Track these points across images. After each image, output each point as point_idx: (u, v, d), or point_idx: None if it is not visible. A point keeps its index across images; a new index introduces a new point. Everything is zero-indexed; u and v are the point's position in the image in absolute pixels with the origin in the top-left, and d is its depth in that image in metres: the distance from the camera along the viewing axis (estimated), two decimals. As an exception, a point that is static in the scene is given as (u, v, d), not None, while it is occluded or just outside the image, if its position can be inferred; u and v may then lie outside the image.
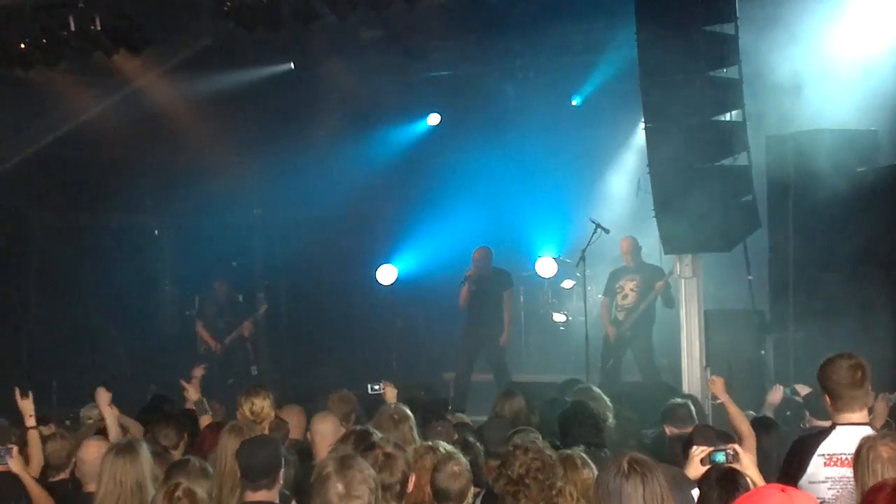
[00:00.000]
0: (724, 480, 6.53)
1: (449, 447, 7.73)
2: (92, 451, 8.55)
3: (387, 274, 20.18)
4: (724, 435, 8.46)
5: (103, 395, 10.16)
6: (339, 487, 5.40)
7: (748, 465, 6.71)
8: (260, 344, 18.70)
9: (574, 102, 20.30)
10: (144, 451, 7.84)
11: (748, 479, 6.61)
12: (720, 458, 6.65)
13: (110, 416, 10.02)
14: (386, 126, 20.53)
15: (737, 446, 6.81)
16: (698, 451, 6.72)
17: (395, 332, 19.73)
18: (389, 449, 6.57)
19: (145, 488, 7.59)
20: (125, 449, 7.78)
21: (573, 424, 9.12)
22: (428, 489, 7.27)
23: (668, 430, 9.80)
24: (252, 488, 7.29)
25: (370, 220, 20.30)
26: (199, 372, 11.85)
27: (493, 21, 18.62)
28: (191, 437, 10.20)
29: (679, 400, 10.39)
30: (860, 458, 5.99)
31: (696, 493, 6.39)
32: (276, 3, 16.12)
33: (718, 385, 6.73)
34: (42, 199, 19.34)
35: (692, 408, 9.99)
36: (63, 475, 9.32)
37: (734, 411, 6.88)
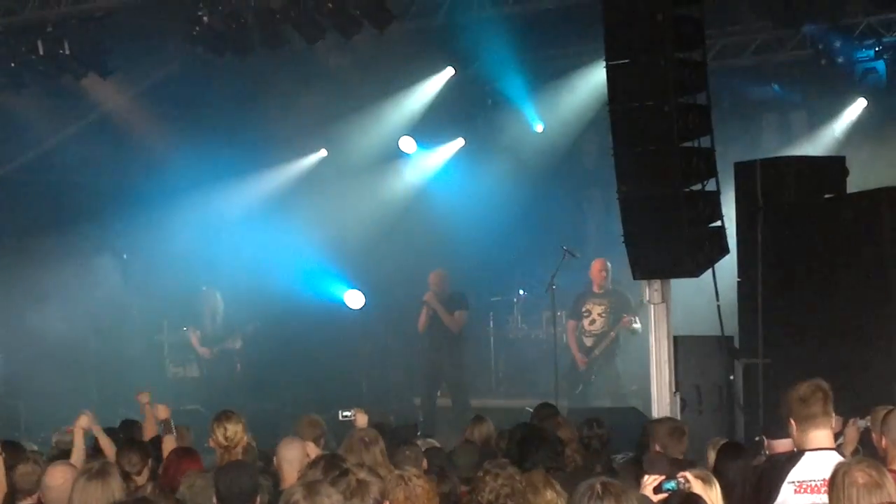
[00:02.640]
0: None
1: (419, 475, 7.70)
2: (57, 477, 8.46)
3: (355, 299, 20.18)
4: (676, 462, 8.49)
5: (84, 420, 10.15)
6: (308, 513, 5.37)
7: (701, 491, 6.73)
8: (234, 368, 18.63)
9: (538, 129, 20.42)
10: (116, 475, 7.77)
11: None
12: (672, 485, 6.67)
13: (80, 440, 9.95)
14: (354, 148, 20.49)
15: (688, 474, 6.81)
16: (650, 481, 6.72)
17: (365, 357, 19.70)
18: (362, 475, 6.53)
19: None
20: (98, 473, 7.70)
21: (531, 448, 9.12)
22: None
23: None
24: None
25: (338, 244, 20.27)
26: (144, 398, 11.78)
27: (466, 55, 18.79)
28: (156, 463, 10.13)
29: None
30: (835, 484, 5.97)
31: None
32: (245, 29, 16.14)
33: (699, 486, 6.72)
34: (9, 223, 19.25)
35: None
36: (31, 500, 9.24)
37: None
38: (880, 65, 17.53)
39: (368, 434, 9.05)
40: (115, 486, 7.63)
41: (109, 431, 11.04)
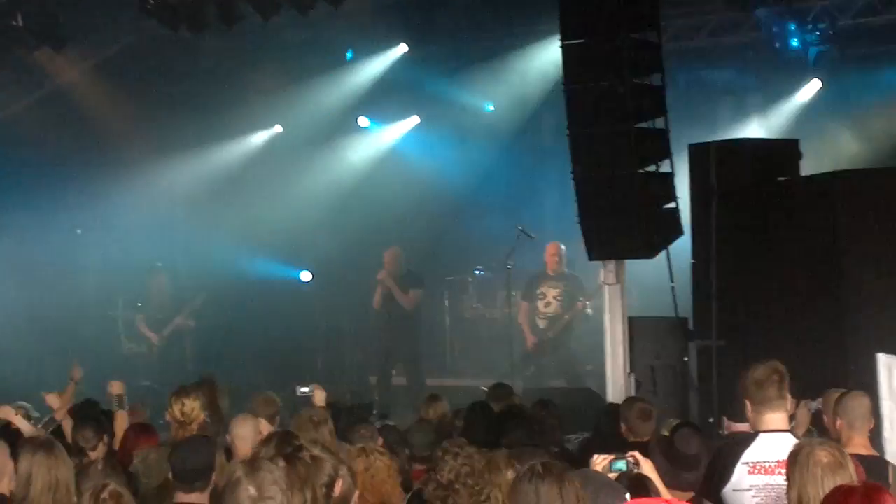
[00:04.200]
0: (634, 487, 6.59)
1: (380, 449, 7.74)
2: None
3: (305, 276, 20.30)
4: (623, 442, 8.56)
5: (4, 411, 10.09)
6: (251, 490, 5.35)
7: (649, 470, 6.79)
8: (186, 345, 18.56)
9: (490, 108, 20.46)
10: (61, 448, 7.68)
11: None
12: (621, 465, 6.72)
13: (21, 422, 9.91)
14: (308, 125, 20.44)
15: (637, 454, 6.86)
16: (599, 460, 6.77)
17: (320, 335, 19.68)
18: (316, 451, 6.54)
19: (71, 489, 7.45)
20: (46, 444, 7.61)
21: (510, 426, 9.14)
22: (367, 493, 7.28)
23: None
24: (185, 490, 7.26)
25: (292, 220, 20.24)
26: (76, 373, 11.72)
27: (419, 31, 18.75)
28: (110, 438, 10.12)
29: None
30: (798, 463, 5.99)
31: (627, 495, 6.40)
32: (200, 4, 16.05)
33: (647, 466, 6.75)
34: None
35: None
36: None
37: (664, 492, 6.88)
38: (832, 49, 17.58)
39: (317, 414, 9.07)
40: (63, 457, 7.52)
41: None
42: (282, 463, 5.92)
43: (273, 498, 5.36)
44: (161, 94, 19.66)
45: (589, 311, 16.26)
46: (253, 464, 5.56)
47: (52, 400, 10.76)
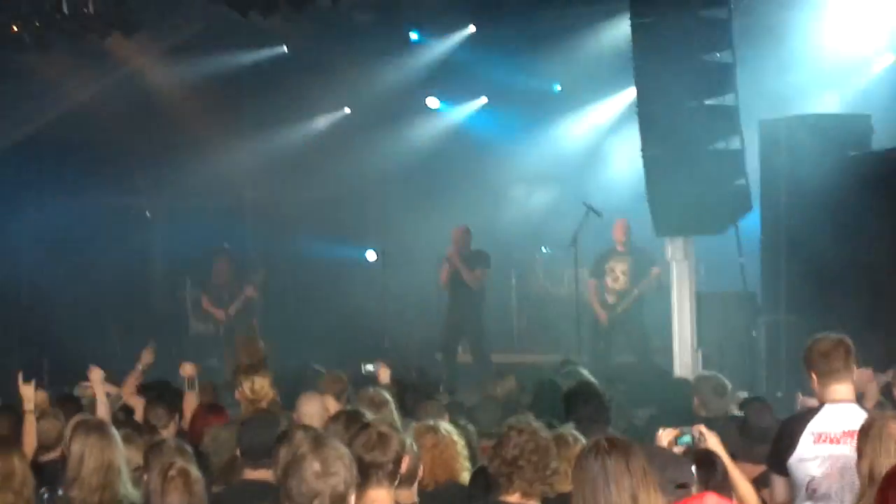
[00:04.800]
0: (701, 462, 6.56)
1: (449, 426, 7.77)
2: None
3: (371, 255, 20.42)
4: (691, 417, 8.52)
5: (96, 374, 10.17)
6: (316, 466, 5.37)
7: (715, 445, 6.76)
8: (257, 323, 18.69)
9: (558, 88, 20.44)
10: (112, 429, 7.76)
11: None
12: (687, 440, 6.69)
13: (102, 394, 10.01)
14: (381, 107, 20.47)
15: (702, 427, 6.83)
16: (665, 434, 6.73)
17: (388, 313, 19.74)
18: (383, 428, 6.59)
19: (117, 468, 7.49)
20: (99, 427, 7.70)
21: (579, 402, 9.13)
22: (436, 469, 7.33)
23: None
24: (252, 466, 7.32)
25: (363, 199, 20.30)
26: (148, 355, 11.81)
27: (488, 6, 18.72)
28: (181, 417, 10.24)
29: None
30: (870, 436, 5.96)
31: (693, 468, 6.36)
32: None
33: (713, 440, 6.68)
34: (35, 182, 19.31)
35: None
36: (54, 454, 9.31)
37: (731, 466, 6.81)
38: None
39: (378, 396, 9.07)
40: (114, 440, 7.59)
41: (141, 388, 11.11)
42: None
43: (337, 474, 5.37)
44: (229, 78, 19.74)
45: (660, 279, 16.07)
46: (318, 440, 5.60)
47: (95, 375, 10.81)
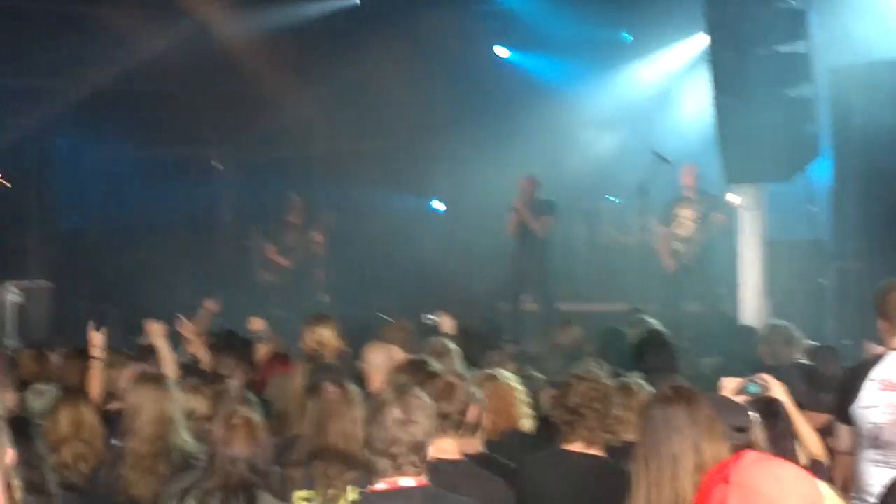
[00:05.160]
0: (764, 410, 6.51)
1: (508, 374, 7.77)
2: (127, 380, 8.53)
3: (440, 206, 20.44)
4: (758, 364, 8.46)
5: (156, 328, 10.19)
6: (397, 413, 5.44)
7: (779, 393, 6.70)
8: (318, 275, 18.78)
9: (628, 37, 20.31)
10: (168, 381, 7.82)
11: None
12: (754, 388, 6.62)
13: (164, 347, 10.03)
14: (447, 58, 20.39)
15: (766, 376, 6.77)
16: (728, 382, 6.68)
17: (454, 262, 19.73)
18: (451, 378, 6.61)
19: (173, 419, 7.54)
20: (155, 378, 7.76)
21: (648, 351, 9.11)
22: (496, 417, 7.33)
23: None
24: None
25: (431, 149, 20.27)
26: (212, 306, 11.87)
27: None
28: (250, 367, 10.30)
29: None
30: None
31: (751, 414, 6.31)
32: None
33: (777, 388, 6.58)
34: (104, 132, 19.48)
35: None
36: (119, 403, 9.38)
37: (795, 414, 6.71)
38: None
39: (441, 345, 9.06)
40: (170, 391, 7.64)
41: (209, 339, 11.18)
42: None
43: (418, 422, 5.45)
44: (298, 30, 19.72)
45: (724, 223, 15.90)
46: (402, 388, 5.66)
47: (187, 329, 10.86)
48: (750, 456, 4.03)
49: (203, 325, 11.40)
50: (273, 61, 19.75)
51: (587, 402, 6.81)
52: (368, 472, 5.52)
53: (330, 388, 6.97)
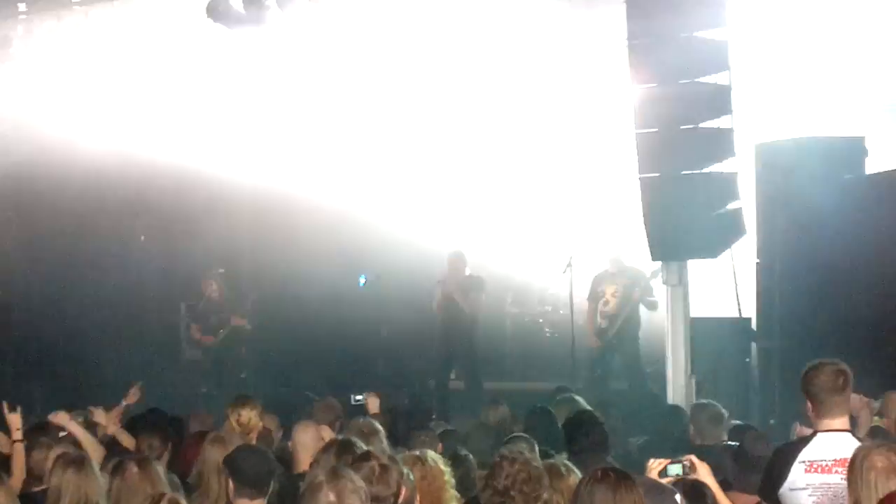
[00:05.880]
0: (691, 493, 6.51)
1: (436, 456, 7.72)
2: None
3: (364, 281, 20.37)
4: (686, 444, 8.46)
5: (60, 417, 10.08)
6: (331, 497, 5.40)
7: (706, 475, 6.71)
8: (243, 351, 18.68)
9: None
10: (92, 463, 7.74)
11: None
12: (677, 470, 6.64)
13: (76, 430, 9.92)
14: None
15: (693, 457, 6.78)
16: (655, 464, 6.69)
17: (381, 339, 19.66)
18: (385, 461, 6.55)
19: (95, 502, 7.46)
20: (77, 461, 7.67)
21: (580, 432, 9.08)
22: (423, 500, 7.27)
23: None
24: (247, 496, 7.27)
25: (357, 225, 20.22)
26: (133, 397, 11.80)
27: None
28: (175, 447, 10.16)
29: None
30: (854, 468, 5.97)
31: (679, 498, 6.33)
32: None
33: (703, 470, 6.63)
34: (25, 206, 19.29)
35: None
36: (45, 485, 9.25)
37: (720, 496, 6.80)
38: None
39: (367, 426, 9.07)
40: (92, 473, 7.56)
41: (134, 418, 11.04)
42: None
43: None
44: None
45: (651, 298, 15.94)
46: (335, 471, 5.63)
47: (100, 416, 10.76)
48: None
49: (121, 409, 11.24)
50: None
51: (517, 483, 6.81)
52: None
53: (131, 468, 6.97)
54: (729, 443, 9.04)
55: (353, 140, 20.38)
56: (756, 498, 7.54)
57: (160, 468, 7.62)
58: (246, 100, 19.69)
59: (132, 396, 11.69)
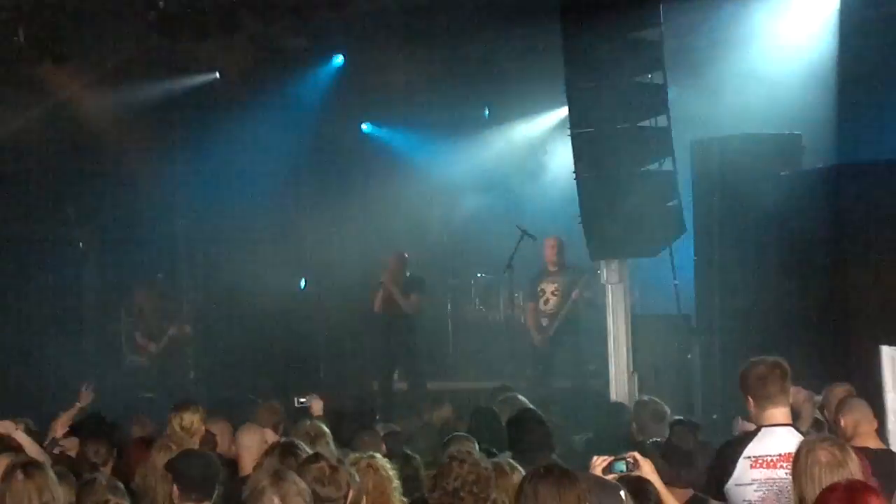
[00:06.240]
0: (634, 488, 6.57)
1: (383, 460, 7.73)
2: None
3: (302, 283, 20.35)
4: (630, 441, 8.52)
5: (6, 425, 10.01)
6: (275, 500, 5.40)
7: (649, 472, 6.77)
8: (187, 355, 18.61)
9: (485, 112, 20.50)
10: (47, 470, 7.68)
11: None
12: (621, 466, 6.69)
13: (25, 440, 9.86)
14: (312, 132, 20.32)
15: (636, 454, 6.84)
16: (599, 461, 6.74)
17: (322, 341, 19.63)
18: (334, 462, 6.55)
19: None
20: (30, 468, 7.59)
21: (523, 431, 9.12)
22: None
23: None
24: (192, 500, 7.26)
25: (295, 227, 20.17)
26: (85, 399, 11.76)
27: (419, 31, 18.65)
28: (119, 452, 10.12)
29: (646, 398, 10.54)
30: (798, 462, 6.01)
31: (623, 494, 6.36)
32: (201, 13, 16.03)
33: (647, 467, 6.68)
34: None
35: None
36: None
37: (663, 492, 6.85)
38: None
39: (314, 428, 9.07)
40: (50, 480, 7.49)
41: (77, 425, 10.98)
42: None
43: None
44: (161, 106, 19.56)
45: (588, 294, 16.00)
46: (279, 474, 5.61)
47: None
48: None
49: (72, 415, 11.18)
50: (135, 138, 19.53)
51: (466, 485, 6.82)
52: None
53: (18, 475, 6.94)
54: (656, 439, 9.09)
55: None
56: (689, 491, 7.60)
57: (52, 474, 7.47)
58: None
59: (85, 398, 11.64)
